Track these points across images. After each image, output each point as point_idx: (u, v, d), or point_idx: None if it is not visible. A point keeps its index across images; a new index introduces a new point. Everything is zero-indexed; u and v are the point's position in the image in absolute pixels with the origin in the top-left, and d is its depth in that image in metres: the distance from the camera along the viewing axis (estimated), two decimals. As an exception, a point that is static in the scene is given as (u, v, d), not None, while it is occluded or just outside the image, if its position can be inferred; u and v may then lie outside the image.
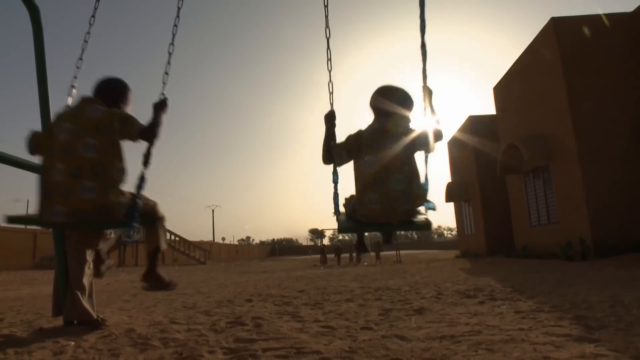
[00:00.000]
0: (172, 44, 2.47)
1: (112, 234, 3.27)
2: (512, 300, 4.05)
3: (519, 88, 13.51)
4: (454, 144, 20.94)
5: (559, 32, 10.82)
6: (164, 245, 2.44)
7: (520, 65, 13.38)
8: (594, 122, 10.18)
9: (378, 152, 2.14)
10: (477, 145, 17.62)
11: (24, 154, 2.98)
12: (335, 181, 2.30)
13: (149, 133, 2.15)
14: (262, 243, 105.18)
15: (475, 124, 18.32)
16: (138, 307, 4.62)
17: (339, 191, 2.29)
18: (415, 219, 2.17)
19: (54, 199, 1.99)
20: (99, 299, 3.41)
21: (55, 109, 2.80)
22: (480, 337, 2.49)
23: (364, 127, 2.32)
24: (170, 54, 2.45)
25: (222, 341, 2.66)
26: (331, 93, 2.37)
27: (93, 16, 2.68)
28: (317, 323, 3.25)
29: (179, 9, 2.54)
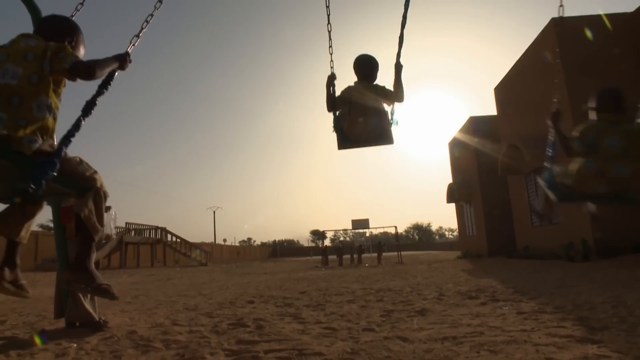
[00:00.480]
0: (151, 14, 2.50)
1: (114, 236, 3.25)
2: (514, 301, 4.05)
3: (521, 88, 13.51)
4: (455, 145, 20.93)
5: (560, 32, 10.82)
6: (97, 227, 2.02)
7: (521, 65, 13.38)
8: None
9: (360, 99, 3.01)
10: (478, 146, 17.62)
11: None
12: (335, 114, 3.15)
13: (85, 67, 1.85)
14: (263, 244, 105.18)
15: (476, 125, 18.31)
16: (140, 308, 4.62)
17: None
18: (386, 135, 3.15)
19: None
20: (101, 301, 3.41)
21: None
22: (482, 339, 2.48)
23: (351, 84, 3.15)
24: (147, 22, 2.45)
25: (224, 343, 2.66)
26: (331, 54, 3.12)
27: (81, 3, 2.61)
28: (319, 324, 3.25)
29: None
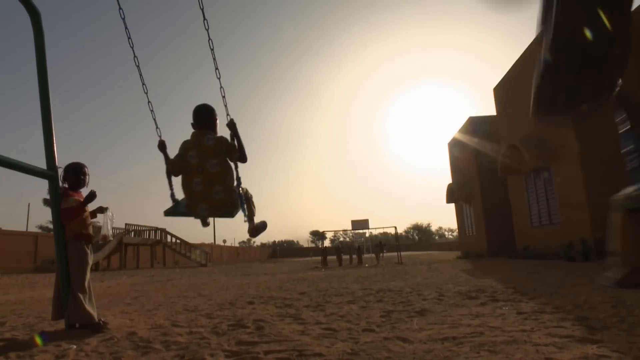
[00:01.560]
0: (217, 68, 2.94)
1: (111, 237, 3.29)
2: (514, 301, 4.05)
3: (519, 89, 13.52)
4: (455, 145, 20.95)
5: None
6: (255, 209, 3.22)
7: (520, 65, 13.39)
8: (595, 122, 10.17)
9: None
10: (477, 146, 17.63)
11: (25, 158, 2.98)
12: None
13: (242, 158, 2.93)
14: (263, 245, 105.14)
15: (475, 125, 18.33)
16: (139, 310, 4.61)
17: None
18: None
19: (196, 200, 2.86)
20: (101, 302, 3.41)
21: (56, 111, 2.81)
22: (482, 339, 2.48)
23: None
24: (219, 78, 2.92)
25: (224, 344, 2.66)
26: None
27: (129, 37, 3.08)
28: (319, 325, 3.24)
29: (207, 30, 2.93)
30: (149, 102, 3.12)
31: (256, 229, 3.22)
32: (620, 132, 2.62)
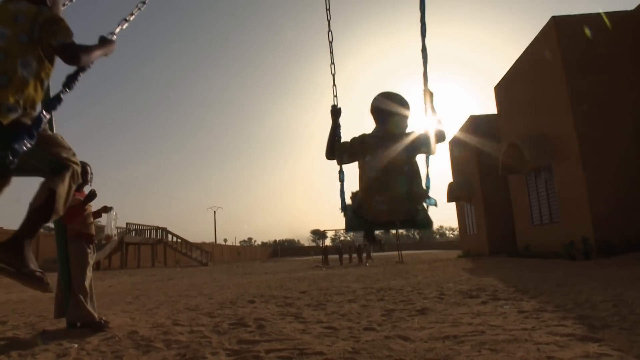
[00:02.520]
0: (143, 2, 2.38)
1: (115, 236, 3.25)
2: (515, 300, 4.04)
3: (521, 87, 13.50)
4: (456, 144, 20.92)
5: (560, 31, 10.81)
6: (59, 208, 1.75)
7: (521, 64, 13.37)
8: (596, 121, 10.15)
9: (381, 155, 2.13)
10: (478, 145, 17.60)
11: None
12: (342, 179, 2.27)
13: (72, 52, 1.71)
14: (264, 244, 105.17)
15: (476, 124, 18.30)
16: (140, 309, 4.62)
17: (344, 188, 2.29)
18: (418, 218, 2.19)
19: None
20: (102, 301, 3.41)
21: (57, 111, 2.78)
22: (483, 337, 2.48)
23: (368, 131, 2.28)
24: (138, 8, 2.37)
25: (225, 343, 2.66)
26: (334, 86, 2.36)
27: None
28: (320, 324, 3.25)
29: None
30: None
31: (16, 253, 1.67)
32: None
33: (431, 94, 2.24)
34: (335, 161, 2.27)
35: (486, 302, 4.02)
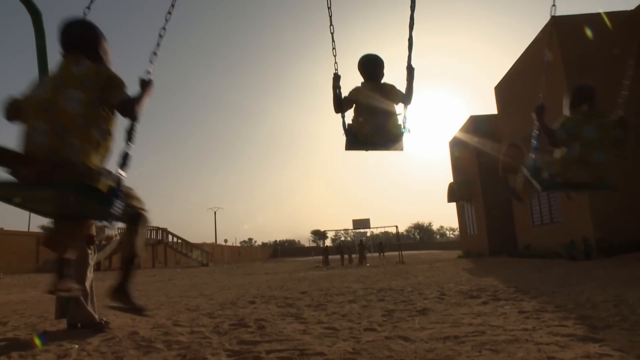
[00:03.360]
0: (164, 28, 2.38)
1: (116, 237, 3.26)
2: (515, 300, 4.04)
3: (521, 87, 13.49)
4: (456, 144, 20.92)
5: (560, 31, 10.81)
6: (141, 252, 2.10)
7: (521, 64, 13.37)
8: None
9: (370, 99, 2.91)
10: (478, 145, 17.61)
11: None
12: (343, 116, 3.01)
13: (131, 110, 1.89)
14: (264, 245, 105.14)
15: (476, 124, 18.30)
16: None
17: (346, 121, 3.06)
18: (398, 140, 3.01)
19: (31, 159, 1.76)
20: (102, 302, 3.41)
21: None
22: (484, 338, 2.48)
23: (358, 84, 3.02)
24: (161, 36, 2.34)
25: (226, 343, 2.66)
26: (335, 55, 2.96)
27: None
28: (321, 324, 3.24)
29: None
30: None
31: (126, 297, 2.11)
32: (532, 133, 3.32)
33: (412, 69, 2.91)
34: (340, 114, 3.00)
35: (487, 302, 4.02)
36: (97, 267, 20.74)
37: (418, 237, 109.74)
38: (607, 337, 2.35)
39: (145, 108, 1.98)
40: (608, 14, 10.83)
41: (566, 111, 3.36)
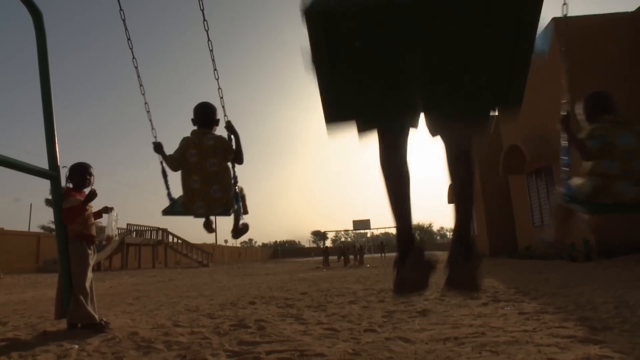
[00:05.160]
0: (215, 69, 2.97)
1: (116, 237, 3.30)
2: (515, 301, 4.04)
3: (521, 88, 13.49)
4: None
5: (561, 32, 10.82)
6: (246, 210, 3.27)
7: (521, 65, 13.37)
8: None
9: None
10: (479, 146, 17.60)
11: (27, 158, 2.99)
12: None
13: (239, 159, 2.98)
14: (264, 245, 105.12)
15: (477, 125, 18.29)
16: (141, 310, 4.62)
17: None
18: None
19: (194, 199, 2.85)
20: (102, 302, 3.42)
21: (59, 113, 2.83)
22: (484, 339, 2.48)
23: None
24: (217, 79, 2.95)
25: (226, 344, 2.66)
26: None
27: (129, 39, 3.03)
28: (321, 325, 3.24)
29: (207, 31, 2.96)
30: (145, 103, 3.15)
31: (240, 230, 3.26)
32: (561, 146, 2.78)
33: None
34: None
35: (487, 303, 4.01)
36: (97, 268, 20.73)
37: (418, 237, 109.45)
38: (608, 339, 2.35)
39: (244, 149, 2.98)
40: (608, 15, 10.84)
41: (584, 125, 2.86)
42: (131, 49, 3.04)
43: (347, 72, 1.20)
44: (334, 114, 1.30)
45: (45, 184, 3.44)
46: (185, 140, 2.94)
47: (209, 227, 3.39)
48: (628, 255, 8.85)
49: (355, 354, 2.30)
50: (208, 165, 2.85)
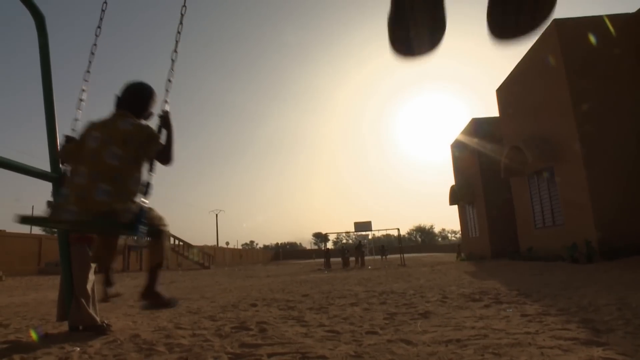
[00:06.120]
0: (175, 50, 2.46)
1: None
2: (518, 303, 4.03)
3: (522, 90, 13.49)
4: (458, 147, 20.90)
5: (562, 33, 10.82)
6: (165, 261, 2.44)
7: (523, 67, 13.37)
8: (598, 123, 10.14)
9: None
10: (480, 148, 17.59)
11: (28, 160, 2.99)
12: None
13: (166, 158, 2.28)
14: (265, 247, 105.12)
15: (478, 127, 18.29)
16: (142, 312, 4.62)
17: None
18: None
19: (70, 199, 2.05)
20: (103, 305, 3.42)
21: (60, 114, 2.83)
22: (486, 341, 2.47)
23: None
24: (173, 61, 2.44)
25: (227, 346, 2.66)
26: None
27: (99, 27, 2.74)
28: (322, 327, 3.24)
29: (182, 15, 2.53)
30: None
31: (154, 296, 2.35)
32: None
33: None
34: None
35: (489, 305, 4.00)
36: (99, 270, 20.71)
37: (420, 239, 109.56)
38: (611, 341, 2.34)
39: (176, 148, 2.30)
40: (609, 16, 10.84)
41: None
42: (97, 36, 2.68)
43: None
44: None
45: (47, 186, 3.44)
46: (91, 122, 2.28)
47: (107, 284, 3.00)
48: (630, 257, 8.83)
49: (357, 356, 2.29)
50: (107, 156, 2.10)
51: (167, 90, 2.37)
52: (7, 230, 21.10)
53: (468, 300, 4.44)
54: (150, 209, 2.28)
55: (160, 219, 2.38)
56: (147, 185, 2.22)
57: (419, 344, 2.51)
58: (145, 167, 2.24)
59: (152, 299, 2.35)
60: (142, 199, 2.19)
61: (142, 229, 2.13)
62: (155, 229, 2.31)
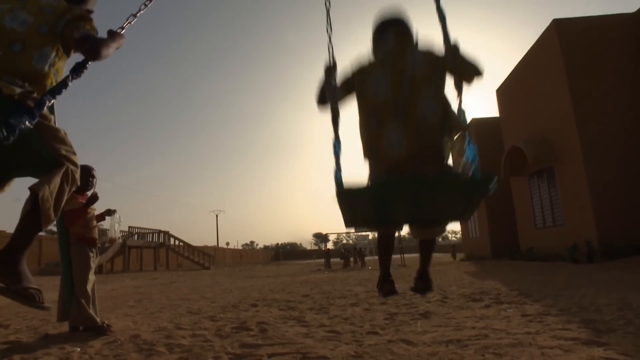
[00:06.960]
0: None
1: (119, 239, 3.24)
2: (518, 303, 4.02)
3: (522, 90, 13.48)
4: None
5: (561, 33, 10.81)
6: (46, 192, 1.52)
7: (523, 67, 13.36)
8: (598, 123, 10.13)
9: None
10: (480, 148, 17.58)
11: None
12: (337, 152, 1.66)
13: (93, 46, 1.66)
14: (265, 248, 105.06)
15: (478, 127, 18.29)
16: (143, 312, 4.62)
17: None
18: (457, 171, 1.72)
19: None
20: (104, 305, 3.42)
21: (59, 112, 2.79)
22: (487, 341, 2.47)
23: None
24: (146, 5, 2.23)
25: (228, 347, 2.66)
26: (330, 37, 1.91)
27: None
28: (323, 328, 3.23)
29: None
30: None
31: (14, 264, 1.50)
32: None
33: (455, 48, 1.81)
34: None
35: (489, 305, 4.00)
36: (99, 270, 20.76)
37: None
38: (612, 341, 2.33)
39: (108, 55, 1.73)
40: (609, 16, 10.84)
41: None
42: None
43: (366, 214, 1.83)
44: (351, 224, 1.92)
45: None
46: None
47: None
48: (631, 257, 8.81)
49: (358, 356, 2.29)
50: (7, 19, 1.61)
51: (128, 20, 2.09)
52: (7, 231, 21.11)
53: (468, 301, 4.44)
54: (58, 127, 1.71)
55: (67, 146, 1.68)
56: (62, 84, 1.69)
57: (420, 344, 2.51)
58: (60, 50, 1.69)
59: (4, 274, 1.48)
60: (48, 94, 1.62)
61: (25, 121, 1.47)
62: (51, 152, 1.61)
